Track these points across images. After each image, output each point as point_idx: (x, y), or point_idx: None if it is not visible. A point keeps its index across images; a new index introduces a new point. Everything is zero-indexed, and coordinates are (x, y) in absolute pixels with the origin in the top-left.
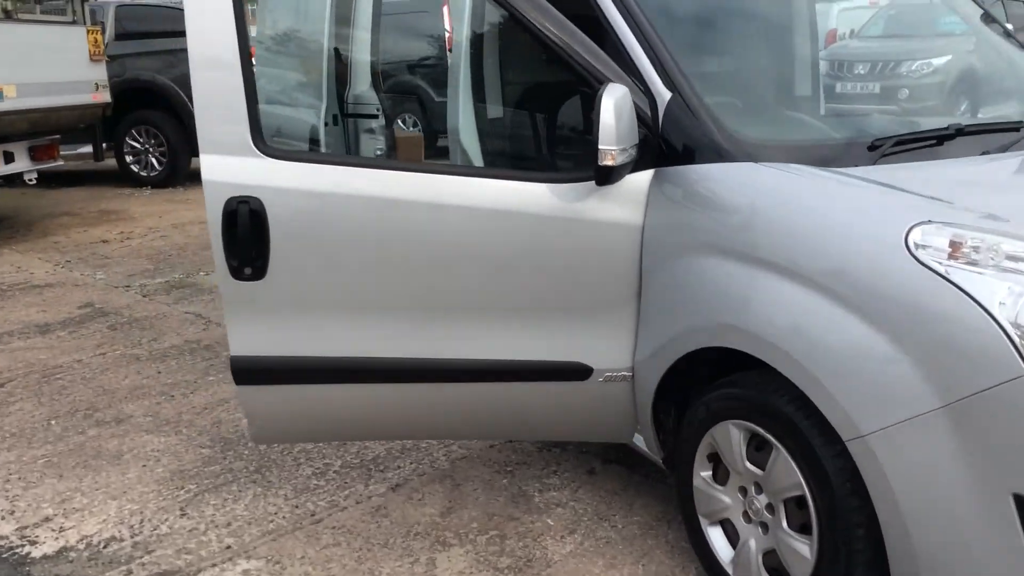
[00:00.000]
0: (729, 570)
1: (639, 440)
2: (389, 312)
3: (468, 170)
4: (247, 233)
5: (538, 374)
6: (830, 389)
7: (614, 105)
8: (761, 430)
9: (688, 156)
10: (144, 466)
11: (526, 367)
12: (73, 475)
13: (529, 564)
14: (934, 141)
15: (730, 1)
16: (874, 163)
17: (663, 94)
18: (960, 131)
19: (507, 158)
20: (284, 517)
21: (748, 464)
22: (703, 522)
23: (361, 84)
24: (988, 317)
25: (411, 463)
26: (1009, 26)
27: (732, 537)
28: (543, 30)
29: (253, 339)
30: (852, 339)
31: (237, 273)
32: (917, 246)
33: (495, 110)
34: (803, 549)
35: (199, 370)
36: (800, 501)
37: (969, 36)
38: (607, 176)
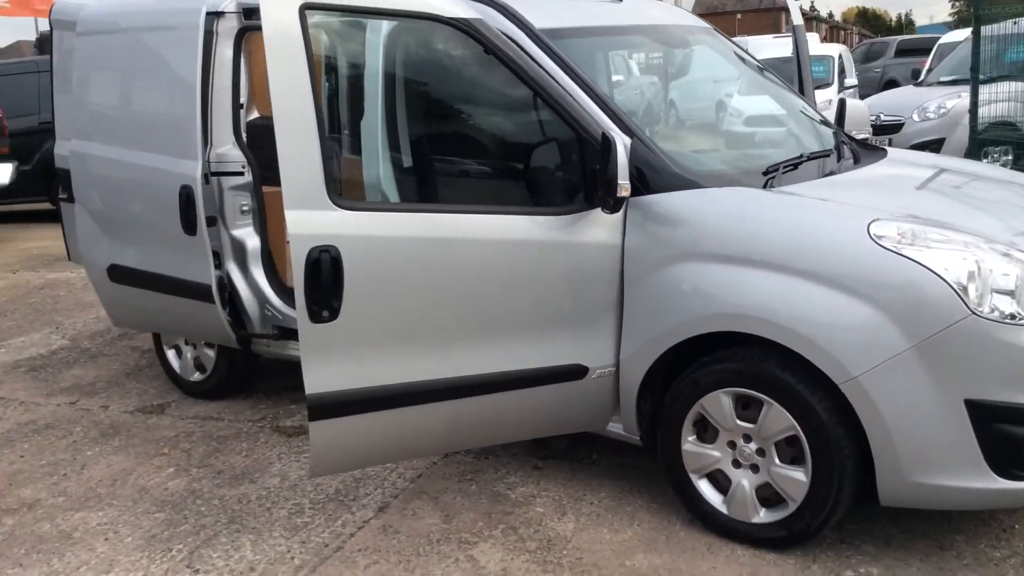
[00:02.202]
0: (723, 510)
1: (613, 426)
2: (437, 338)
3: (488, 208)
4: (328, 279)
5: (548, 378)
6: (824, 347)
7: (624, 148)
8: (754, 392)
9: (651, 186)
10: (107, 539)
11: (539, 373)
12: (36, 563)
13: (552, 543)
14: (794, 167)
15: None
16: (780, 184)
17: (625, 140)
18: (808, 158)
19: (506, 195)
20: (302, 552)
21: (739, 421)
22: (693, 477)
23: (223, 142)
24: (939, 279)
25: (375, 489)
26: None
27: (720, 485)
28: (543, 91)
29: (327, 376)
30: (836, 307)
31: (316, 317)
32: (877, 236)
33: (494, 154)
34: (798, 475)
35: (66, 448)
36: (789, 441)
37: None
38: (619, 204)
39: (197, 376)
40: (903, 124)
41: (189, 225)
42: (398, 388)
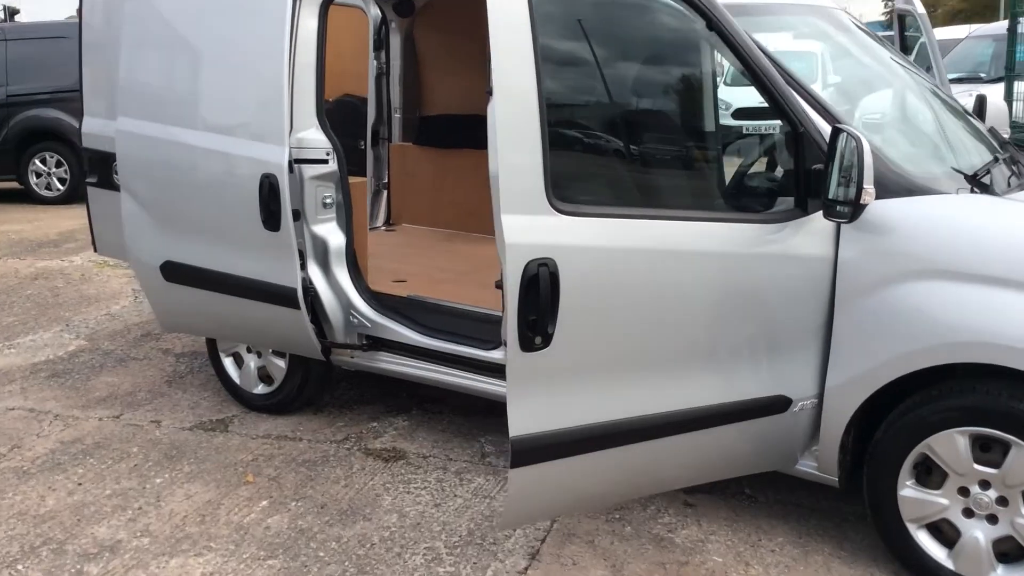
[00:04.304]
0: (949, 565)
1: (803, 465)
2: (647, 368)
3: (702, 215)
4: (546, 299)
5: (750, 411)
6: None
7: (869, 148)
8: (998, 432)
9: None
10: None
11: (742, 406)
12: None
13: None
14: (989, 171)
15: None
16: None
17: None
18: (1001, 161)
19: (710, 199)
20: None
21: (976, 465)
22: (910, 527)
23: (305, 125)
24: None
25: (514, 530)
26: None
27: (944, 535)
28: (765, 76)
29: (533, 415)
30: None
31: (527, 344)
32: None
33: (693, 150)
34: None
35: (129, 473)
36: None
37: None
38: (859, 212)
39: (262, 388)
40: None
41: (271, 219)
42: (608, 427)
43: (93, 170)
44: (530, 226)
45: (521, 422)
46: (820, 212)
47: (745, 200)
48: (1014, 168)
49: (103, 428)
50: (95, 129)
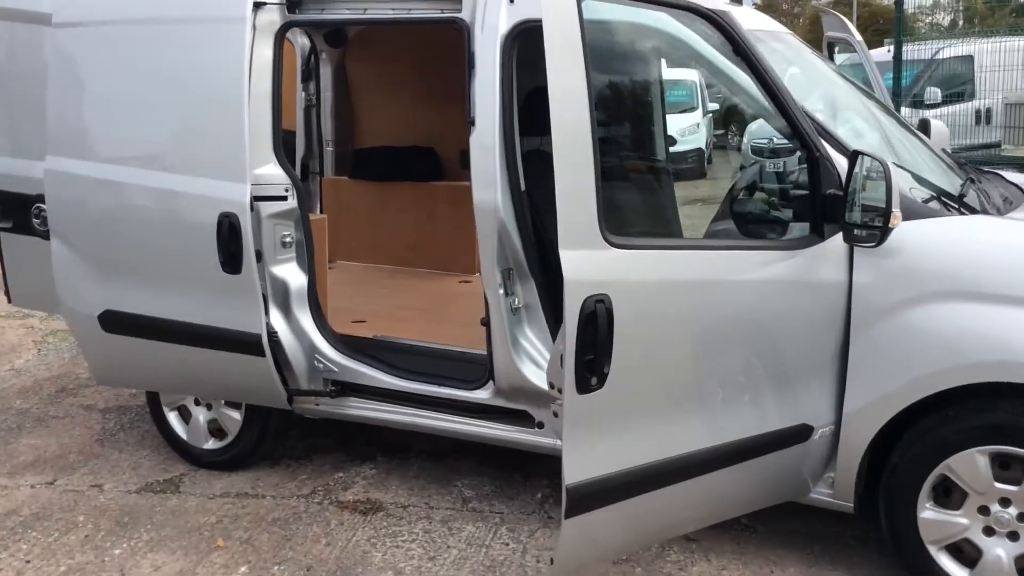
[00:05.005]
0: None
1: (817, 493)
2: (697, 403)
3: (739, 244)
4: (604, 336)
5: (777, 442)
6: None
7: (894, 172)
8: (1020, 450)
9: None
10: None
11: (771, 437)
12: None
13: None
14: (970, 192)
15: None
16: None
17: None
18: (971, 182)
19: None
20: None
21: (997, 484)
22: (931, 549)
23: (262, 161)
24: None
25: None
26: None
27: (964, 555)
28: (784, 101)
29: (588, 460)
30: None
31: (584, 385)
32: None
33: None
34: None
35: (82, 546)
36: None
37: None
38: (885, 236)
39: (213, 443)
40: None
41: (231, 261)
42: (657, 467)
43: (6, 214)
44: (586, 261)
45: (577, 469)
46: (835, 237)
47: (763, 227)
48: (982, 190)
49: (39, 497)
50: (4, 169)
